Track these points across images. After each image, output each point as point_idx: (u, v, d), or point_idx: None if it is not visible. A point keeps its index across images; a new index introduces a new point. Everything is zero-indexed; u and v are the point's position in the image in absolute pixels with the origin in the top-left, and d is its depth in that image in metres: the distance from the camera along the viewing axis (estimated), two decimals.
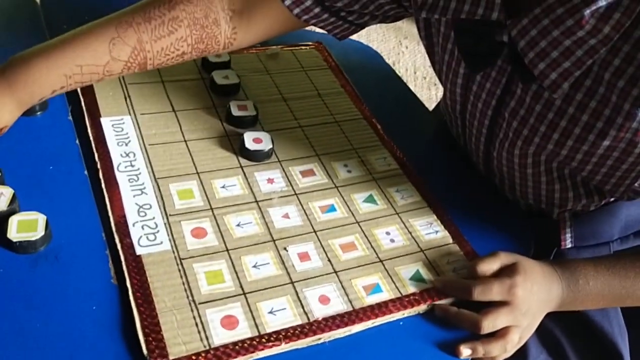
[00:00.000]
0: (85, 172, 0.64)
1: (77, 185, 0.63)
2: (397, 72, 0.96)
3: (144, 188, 0.63)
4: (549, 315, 0.60)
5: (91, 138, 0.67)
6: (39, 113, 0.70)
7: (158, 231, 0.58)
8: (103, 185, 0.62)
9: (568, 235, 0.69)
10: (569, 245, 0.70)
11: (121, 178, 0.63)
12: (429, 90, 1.96)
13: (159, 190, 0.63)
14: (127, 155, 0.66)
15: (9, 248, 0.55)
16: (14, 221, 0.56)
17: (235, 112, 0.73)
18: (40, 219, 0.56)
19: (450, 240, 0.64)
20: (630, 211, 0.68)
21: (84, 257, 0.56)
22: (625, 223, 0.69)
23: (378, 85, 0.89)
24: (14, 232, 0.55)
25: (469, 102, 0.66)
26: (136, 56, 0.61)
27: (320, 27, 0.71)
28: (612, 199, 0.66)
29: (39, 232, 0.55)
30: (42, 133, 0.68)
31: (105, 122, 0.69)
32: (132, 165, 0.65)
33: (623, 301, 0.60)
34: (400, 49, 2.15)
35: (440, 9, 0.60)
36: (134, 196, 0.61)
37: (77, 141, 0.68)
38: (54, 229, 0.57)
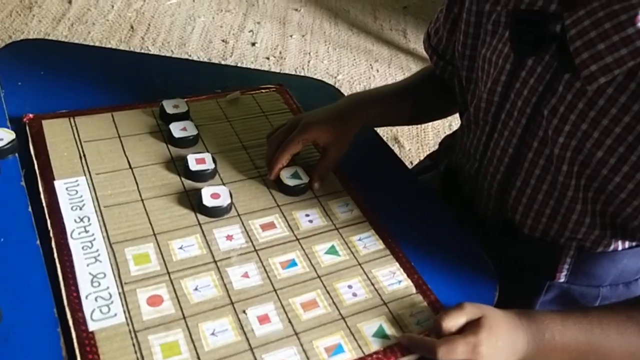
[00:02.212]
0: (37, 242, 0.62)
1: (28, 257, 0.61)
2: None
3: (98, 255, 0.61)
4: None
5: (44, 204, 0.65)
6: None
7: (112, 302, 0.57)
8: (55, 256, 0.60)
9: (565, 267, 0.69)
10: (562, 279, 0.70)
11: (74, 246, 0.61)
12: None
13: (114, 256, 0.61)
14: (82, 220, 0.65)
15: None
16: None
17: (193, 166, 0.72)
18: None
19: (414, 290, 0.63)
20: (629, 262, 0.69)
21: (35, 336, 0.54)
22: (621, 272, 0.70)
23: None
24: None
25: (507, 101, 0.67)
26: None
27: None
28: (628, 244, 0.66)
29: None
30: None
31: (59, 185, 0.68)
32: (86, 231, 0.63)
33: (586, 357, 0.59)
34: (372, 73, 2.16)
35: (504, 0, 0.65)
36: (88, 265, 0.60)
37: (30, 208, 0.66)
38: (4, 307, 0.55)
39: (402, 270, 0.65)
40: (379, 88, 0.87)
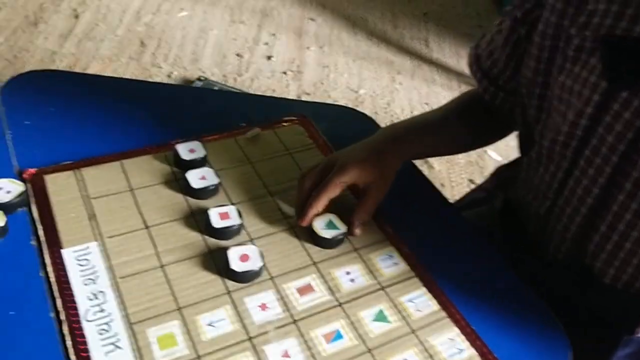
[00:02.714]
0: (51, 315, 0.55)
1: (43, 336, 0.53)
2: (392, 113, 0.88)
3: (118, 341, 0.53)
4: None
5: (52, 279, 0.58)
6: None
7: None
8: (70, 344, 0.53)
9: None
10: None
11: (90, 331, 0.54)
12: None
13: (135, 340, 0.54)
14: (96, 296, 0.57)
15: None
16: None
17: (217, 222, 0.64)
18: None
19: None
20: None
21: None
22: None
23: None
24: None
25: (594, 136, 0.59)
26: None
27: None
28: None
29: None
30: (1, 265, 0.59)
31: (68, 254, 0.60)
32: (102, 311, 0.56)
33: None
34: (394, 86, 2.07)
35: (593, 25, 0.57)
36: (106, 354, 0.52)
37: (42, 272, 0.59)
38: None
39: (463, 336, 0.57)
40: (418, 117, 0.80)
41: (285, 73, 2.05)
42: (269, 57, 2.12)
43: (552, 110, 0.65)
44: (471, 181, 1.75)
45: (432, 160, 1.79)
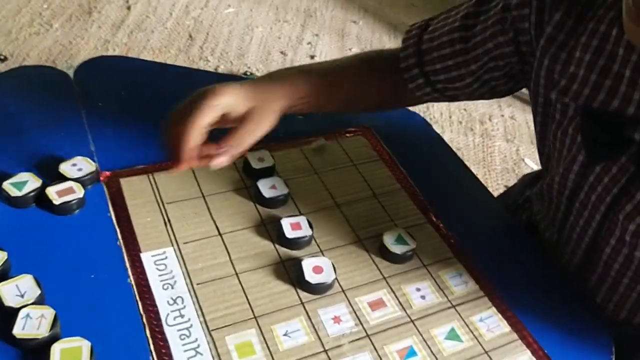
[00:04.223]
0: (129, 280, 0.59)
1: (121, 300, 0.57)
2: (431, 117, 0.88)
3: (198, 347, 0.55)
4: None
5: (132, 283, 0.59)
6: (76, 211, 0.64)
7: None
8: (152, 348, 0.54)
9: None
10: None
11: (171, 335, 0.55)
12: (465, 137, 1.87)
13: (215, 346, 0.55)
14: (175, 301, 0.58)
15: None
16: (56, 351, 0.50)
17: (289, 233, 0.65)
18: (85, 347, 0.51)
19: None
20: None
21: None
22: None
23: (437, 173, 0.80)
24: None
25: (581, 191, 0.60)
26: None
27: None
28: None
29: None
30: (81, 235, 0.62)
31: (147, 258, 0.62)
32: (181, 316, 0.57)
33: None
34: None
35: (572, 93, 0.56)
36: (188, 359, 0.54)
37: (119, 242, 0.62)
38: (98, 354, 0.52)
39: (535, 359, 0.57)
40: (322, 63, 0.75)
41: None
42: (312, 57, 2.14)
43: (549, 152, 0.65)
44: (507, 187, 1.74)
45: (468, 164, 1.78)
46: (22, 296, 0.54)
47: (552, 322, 0.62)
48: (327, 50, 2.19)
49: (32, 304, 0.54)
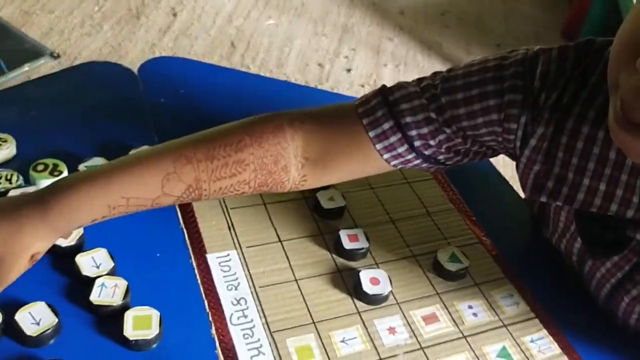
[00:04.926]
0: (191, 261, 0.63)
1: (184, 276, 0.62)
2: None
3: (261, 347, 0.58)
4: None
5: (199, 282, 0.63)
6: None
7: None
8: (217, 344, 0.57)
9: None
10: None
11: (235, 333, 0.58)
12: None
13: (277, 347, 0.58)
14: (239, 302, 0.61)
15: (124, 345, 0.54)
16: (129, 317, 0.55)
17: (347, 244, 0.68)
18: (154, 315, 0.56)
19: None
20: None
21: (194, 358, 0.55)
22: None
23: (487, 197, 0.82)
24: (130, 329, 0.54)
25: (585, 265, 0.62)
26: (190, 193, 0.57)
27: (411, 169, 0.66)
28: None
29: (154, 330, 0.55)
30: (146, 219, 0.65)
31: (212, 259, 0.65)
32: (244, 316, 0.60)
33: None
34: None
35: (563, 197, 0.56)
36: (252, 358, 0.56)
37: (181, 225, 0.67)
38: (165, 325, 0.56)
39: None
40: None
41: (362, 86, 2.13)
42: (348, 70, 2.19)
43: (555, 234, 0.65)
44: None
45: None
46: (97, 267, 0.59)
47: (602, 346, 0.63)
48: (363, 65, 2.24)
49: (107, 274, 0.58)
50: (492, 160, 0.79)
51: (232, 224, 0.70)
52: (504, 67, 0.58)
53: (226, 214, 0.71)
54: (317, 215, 0.73)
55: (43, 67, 1.80)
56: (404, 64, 2.29)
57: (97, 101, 0.83)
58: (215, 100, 0.88)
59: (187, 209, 0.70)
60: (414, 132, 0.59)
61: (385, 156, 0.61)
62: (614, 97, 0.46)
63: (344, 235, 0.69)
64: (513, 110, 0.57)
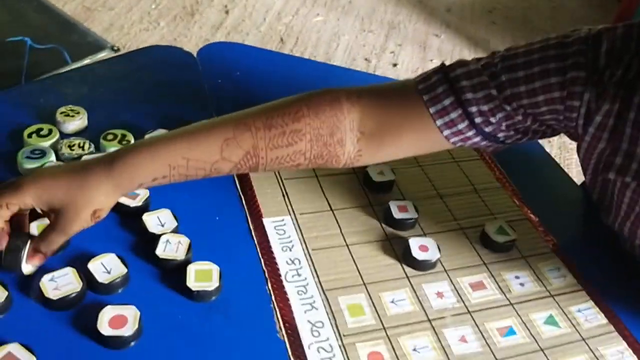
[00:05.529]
0: (248, 224, 0.68)
1: (241, 237, 0.66)
2: None
3: (314, 302, 0.61)
4: None
5: (255, 243, 0.66)
6: None
7: (334, 355, 0.56)
8: (273, 299, 0.60)
9: None
10: None
11: (290, 289, 0.61)
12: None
13: (329, 304, 0.61)
14: (293, 262, 0.65)
15: (187, 295, 0.58)
16: (192, 270, 0.59)
17: (397, 214, 0.70)
18: (215, 269, 0.60)
19: None
20: None
21: (251, 309, 0.59)
22: None
23: (533, 175, 0.83)
24: (193, 281, 0.58)
25: None
26: (248, 160, 0.59)
27: (470, 147, 0.67)
28: None
29: (214, 283, 0.58)
30: (206, 185, 0.68)
31: (268, 223, 0.69)
32: (298, 275, 0.63)
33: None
34: None
35: (633, 172, 0.56)
36: (305, 312, 0.59)
37: (239, 193, 0.72)
38: (224, 279, 0.60)
39: (631, 350, 0.60)
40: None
41: None
42: (394, 65, 2.22)
43: (607, 199, 0.63)
44: None
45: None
46: (162, 225, 0.64)
47: None
48: (409, 60, 2.26)
49: (171, 232, 0.63)
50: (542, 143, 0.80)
51: (287, 193, 0.73)
52: (566, 45, 0.59)
53: (281, 184, 0.74)
54: (367, 188, 0.76)
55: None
56: (451, 59, 2.30)
57: (159, 80, 0.88)
58: (269, 82, 0.92)
59: (244, 178, 0.74)
60: (474, 109, 0.60)
61: (445, 132, 0.61)
62: None
63: (393, 205, 0.71)
64: (576, 87, 0.58)
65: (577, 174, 1.82)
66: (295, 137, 0.60)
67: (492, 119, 0.61)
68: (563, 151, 1.90)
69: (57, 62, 1.53)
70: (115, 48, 2.02)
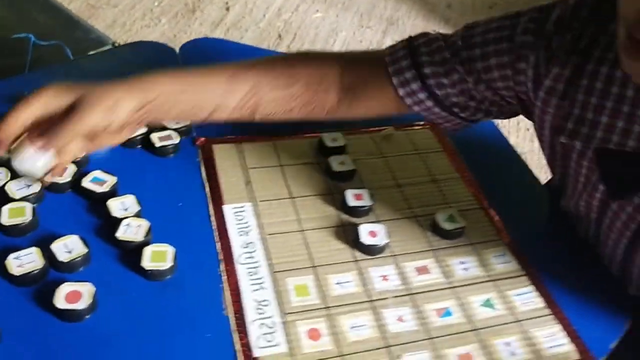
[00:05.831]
0: (208, 210, 0.72)
1: (200, 222, 0.70)
2: (498, 121, 0.92)
3: (263, 283, 0.64)
4: None
5: (213, 227, 0.70)
6: (171, 155, 0.78)
7: (275, 331, 0.59)
8: (225, 279, 0.64)
9: None
10: None
11: (241, 271, 0.65)
12: (531, 143, 1.88)
13: (277, 285, 0.64)
14: (247, 246, 0.68)
15: (142, 274, 0.62)
16: (148, 251, 0.63)
17: (351, 201, 0.74)
18: (170, 251, 0.64)
19: (577, 357, 0.60)
20: None
21: (202, 288, 0.63)
22: None
23: (497, 170, 0.86)
24: (148, 261, 0.62)
25: (605, 218, 0.63)
26: (250, 97, 0.68)
27: (430, 120, 0.71)
28: None
29: (168, 263, 0.63)
30: (174, 173, 0.76)
31: (228, 209, 0.72)
32: (251, 257, 0.67)
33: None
34: None
35: (583, 136, 0.58)
36: (253, 291, 0.63)
37: (204, 180, 0.76)
38: (179, 261, 0.64)
39: (565, 333, 0.62)
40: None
41: None
42: None
43: (564, 175, 0.66)
44: None
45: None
46: (125, 210, 0.68)
47: (586, 303, 0.66)
48: None
49: (133, 216, 0.67)
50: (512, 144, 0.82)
51: (250, 181, 0.77)
52: (520, 15, 0.63)
53: (244, 171, 0.78)
54: (329, 177, 0.79)
55: None
56: None
57: (140, 73, 0.92)
58: None
59: (210, 165, 0.78)
60: (427, 70, 0.66)
61: (407, 101, 0.70)
62: (621, 27, 0.47)
63: (349, 194, 0.75)
64: (523, 50, 0.62)
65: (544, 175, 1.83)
66: (292, 80, 0.69)
67: (445, 80, 0.66)
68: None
69: (59, 58, 1.59)
70: (116, 44, 2.08)
